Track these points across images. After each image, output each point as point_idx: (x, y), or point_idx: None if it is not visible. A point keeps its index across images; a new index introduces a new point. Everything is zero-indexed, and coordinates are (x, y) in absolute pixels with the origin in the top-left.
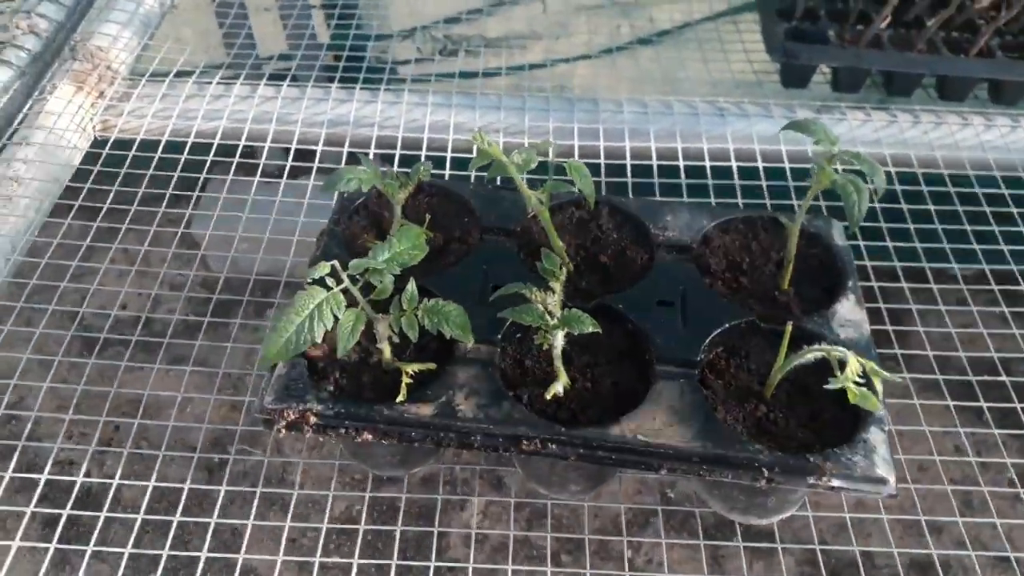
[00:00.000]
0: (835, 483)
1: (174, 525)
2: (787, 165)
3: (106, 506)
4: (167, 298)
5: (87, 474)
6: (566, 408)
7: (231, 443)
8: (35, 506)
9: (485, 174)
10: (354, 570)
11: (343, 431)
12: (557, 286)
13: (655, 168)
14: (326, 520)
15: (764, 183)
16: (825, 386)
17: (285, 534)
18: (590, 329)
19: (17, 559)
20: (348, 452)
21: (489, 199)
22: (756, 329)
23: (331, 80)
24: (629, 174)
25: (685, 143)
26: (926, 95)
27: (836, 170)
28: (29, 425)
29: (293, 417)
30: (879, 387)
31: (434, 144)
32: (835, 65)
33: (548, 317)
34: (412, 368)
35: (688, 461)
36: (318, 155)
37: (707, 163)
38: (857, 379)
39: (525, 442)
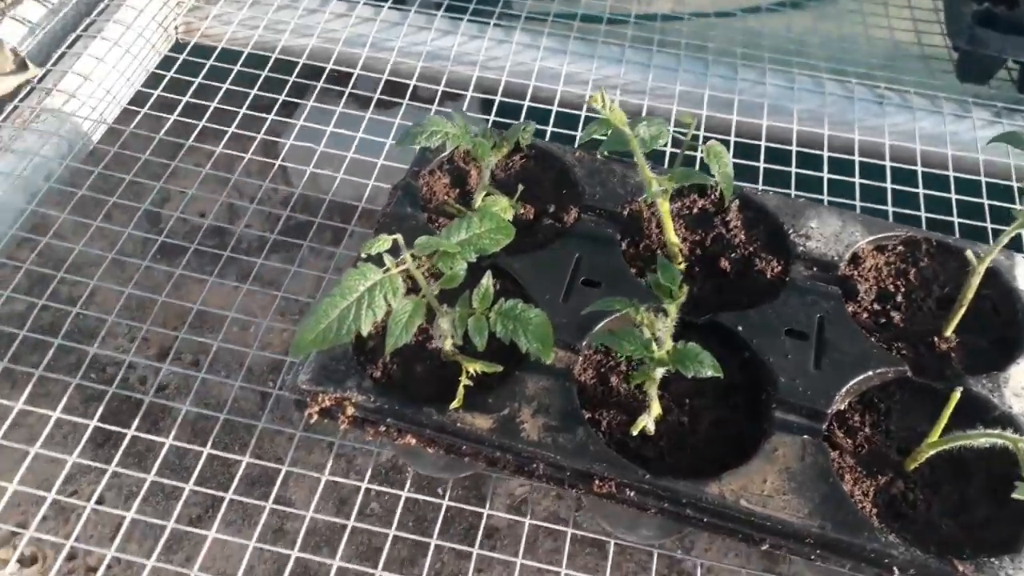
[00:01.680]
0: None
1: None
2: (951, 173)
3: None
4: (240, 209)
5: (142, 381)
6: (653, 446)
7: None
8: (93, 411)
9: (598, 140)
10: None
11: (383, 429)
12: (673, 309)
13: (794, 155)
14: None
15: (921, 191)
16: (1014, 494)
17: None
18: (709, 374)
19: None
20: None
21: (595, 171)
22: (905, 382)
23: (438, 6)
24: (762, 158)
25: (833, 131)
26: None
27: None
28: (93, 322)
29: (328, 404)
30: None
31: (540, 95)
32: None
33: (654, 347)
34: (475, 368)
35: (800, 541)
36: (410, 90)
37: (856, 158)
38: None
39: (598, 482)
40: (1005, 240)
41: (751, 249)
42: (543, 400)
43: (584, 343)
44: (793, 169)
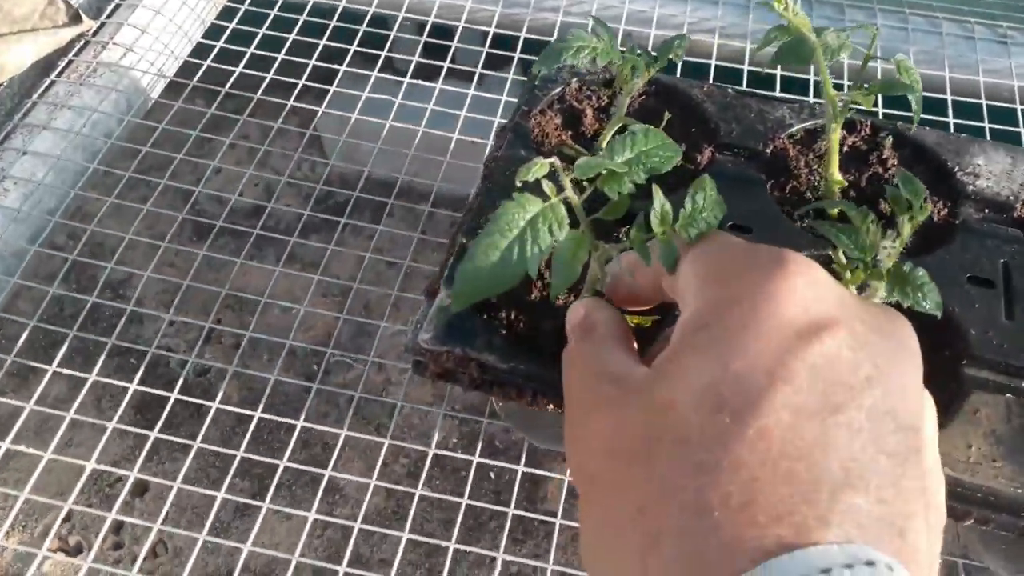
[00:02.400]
0: None
1: (254, 421)
2: None
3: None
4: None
5: (181, 365)
6: None
7: (330, 354)
8: (141, 388)
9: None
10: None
11: (516, 392)
12: (908, 226)
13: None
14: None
15: None
16: None
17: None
18: (929, 308)
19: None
20: (502, 412)
21: (728, 107)
22: None
23: None
24: (881, 104)
25: (954, 73)
26: None
27: None
28: (131, 307)
29: (452, 364)
30: None
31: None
32: None
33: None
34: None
35: (1015, 514)
36: (490, 37)
37: (983, 101)
38: None
39: None
40: None
41: None
42: None
43: None
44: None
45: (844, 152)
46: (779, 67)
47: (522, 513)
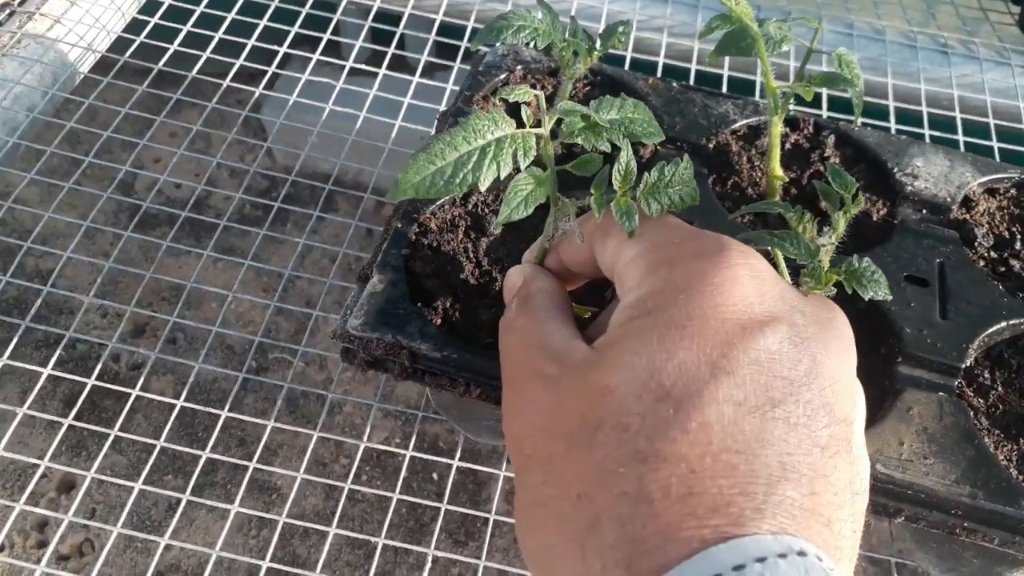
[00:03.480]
0: None
1: (175, 412)
2: None
3: (132, 395)
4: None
5: (114, 357)
6: None
7: (269, 349)
8: (56, 373)
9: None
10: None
11: (449, 381)
12: (843, 223)
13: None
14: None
15: (996, 144)
16: None
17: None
18: (884, 295)
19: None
20: (436, 404)
21: (673, 100)
22: None
23: None
24: (824, 106)
25: (896, 80)
26: None
27: None
28: (64, 297)
29: (382, 352)
30: None
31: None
32: None
33: (823, 256)
34: None
35: (946, 512)
36: (436, 26)
37: (924, 108)
38: None
39: None
40: None
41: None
42: None
43: None
44: (857, 119)
45: (786, 150)
46: (726, 68)
47: (460, 510)
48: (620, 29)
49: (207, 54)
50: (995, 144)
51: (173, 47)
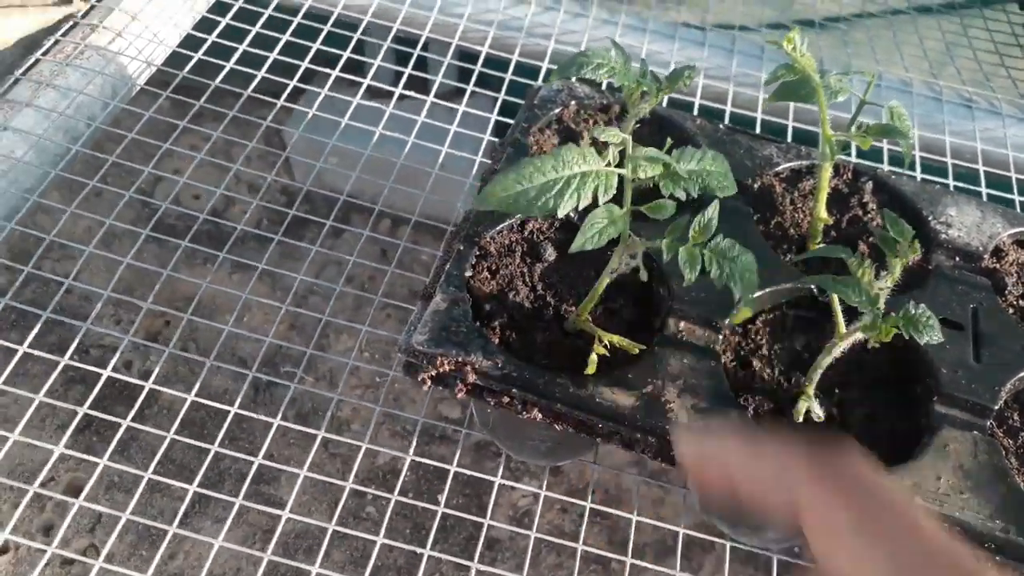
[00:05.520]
0: None
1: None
2: None
3: (139, 402)
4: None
5: (127, 365)
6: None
7: (283, 362)
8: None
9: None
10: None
11: (507, 400)
12: (899, 267)
13: (885, 152)
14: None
15: (1017, 198)
16: None
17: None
18: (937, 340)
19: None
20: (480, 422)
21: (719, 141)
22: None
23: None
24: (853, 152)
25: (923, 131)
26: None
27: None
28: (79, 301)
29: (448, 368)
30: None
31: None
32: None
33: (881, 303)
34: (613, 340)
35: (981, 544)
36: (481, 58)
37: (948, 159)
38: None
39: None
40: None
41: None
42: (689, 379)
43: (726, 322)
44: (885, 166)
45: (827, 193)
46: (759, 112)
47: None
48: (686, 73)
49: (261, 74)
50: (1016, 197)
51: (229, 65)
